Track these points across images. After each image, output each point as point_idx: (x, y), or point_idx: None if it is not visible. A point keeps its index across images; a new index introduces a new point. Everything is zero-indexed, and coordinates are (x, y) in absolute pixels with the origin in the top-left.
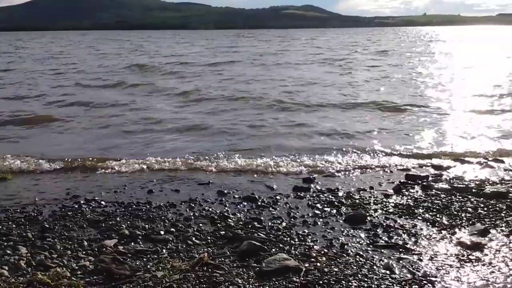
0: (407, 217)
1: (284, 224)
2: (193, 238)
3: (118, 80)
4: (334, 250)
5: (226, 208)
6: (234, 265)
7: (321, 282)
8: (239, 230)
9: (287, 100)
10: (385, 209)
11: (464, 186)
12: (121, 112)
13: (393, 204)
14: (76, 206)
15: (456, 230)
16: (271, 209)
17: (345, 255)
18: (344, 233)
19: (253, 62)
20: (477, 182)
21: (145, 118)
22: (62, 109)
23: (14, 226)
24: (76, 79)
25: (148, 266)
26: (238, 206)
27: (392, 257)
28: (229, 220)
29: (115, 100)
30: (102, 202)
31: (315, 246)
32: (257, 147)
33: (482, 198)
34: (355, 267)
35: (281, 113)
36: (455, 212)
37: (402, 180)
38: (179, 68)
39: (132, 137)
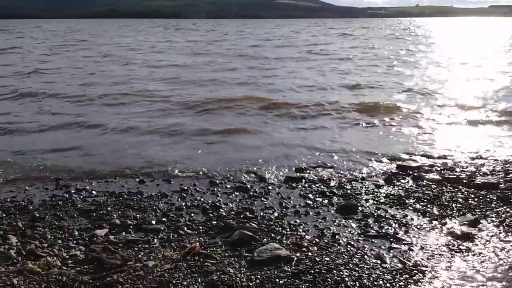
0: (398, 207)
1: (276, 214)
2: (185, 228)
3: None
4: (325, 240)
5: (218, 198)
6: (226, 254)
7: (312, 271)
8: (231, 220)
9: None
10: (376, 199)
11: (455, 176)
12: None
13: (384, 195)
14: (67, 196)
15: (447, 220)
16: (263, 199)
17: (336, 244)
18: (335, 223)
19: None
20: (468, 173)
21: None
22: None
23: (4, 215)
24: None
25: (140, 256)
26: (230, 196)
27: (383, 247)
28: (221, 210)
29: None
30: (93, 192)
31: (306, 236)
32: None
33: (473, 189)
34: (346, 257)
35: None
36: (446, 203)
37: (393, 171)
38: None
39: None
